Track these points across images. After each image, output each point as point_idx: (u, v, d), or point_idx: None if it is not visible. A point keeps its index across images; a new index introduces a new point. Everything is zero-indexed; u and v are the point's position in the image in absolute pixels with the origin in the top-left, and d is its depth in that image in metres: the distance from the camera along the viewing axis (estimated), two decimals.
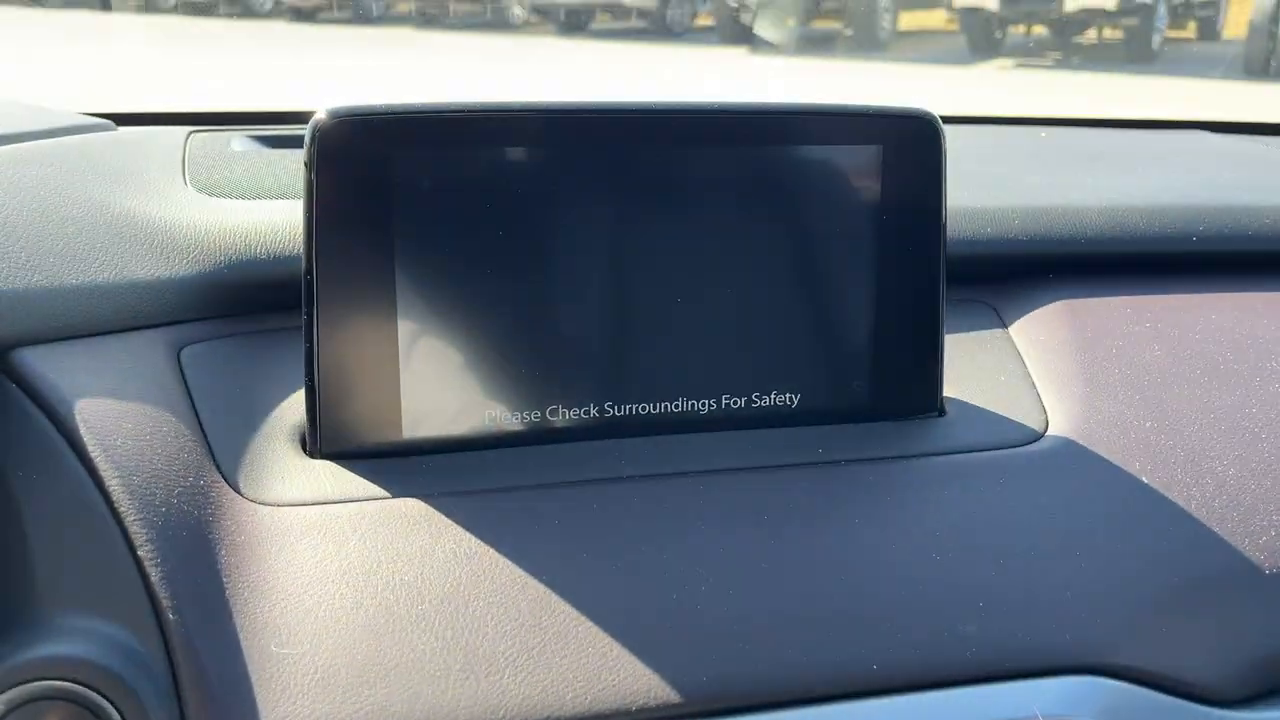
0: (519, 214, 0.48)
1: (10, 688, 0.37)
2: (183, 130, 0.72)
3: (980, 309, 0.63)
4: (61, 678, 0.38)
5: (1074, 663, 0.45)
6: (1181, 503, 0.50)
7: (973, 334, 0.61)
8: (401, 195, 0.46)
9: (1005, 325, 0.62)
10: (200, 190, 0.59)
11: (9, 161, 0.57)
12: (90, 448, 0.43)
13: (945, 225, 0.52)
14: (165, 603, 0.40)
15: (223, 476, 0.45)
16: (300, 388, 0.50)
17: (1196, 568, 0.48)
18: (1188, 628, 0.47)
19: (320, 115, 0.45)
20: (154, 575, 0.41)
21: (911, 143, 0.52)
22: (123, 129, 0.71)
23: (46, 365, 0.45)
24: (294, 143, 0.72)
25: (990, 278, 0.64)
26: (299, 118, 0.80)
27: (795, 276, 0.51)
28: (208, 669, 0.40)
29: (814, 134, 0.50)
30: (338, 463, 0.47)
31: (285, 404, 0.50)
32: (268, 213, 0.56)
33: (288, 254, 0.54)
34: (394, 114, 0.46)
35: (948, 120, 0.53)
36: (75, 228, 0.51)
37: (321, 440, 0.48)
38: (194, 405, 0.48)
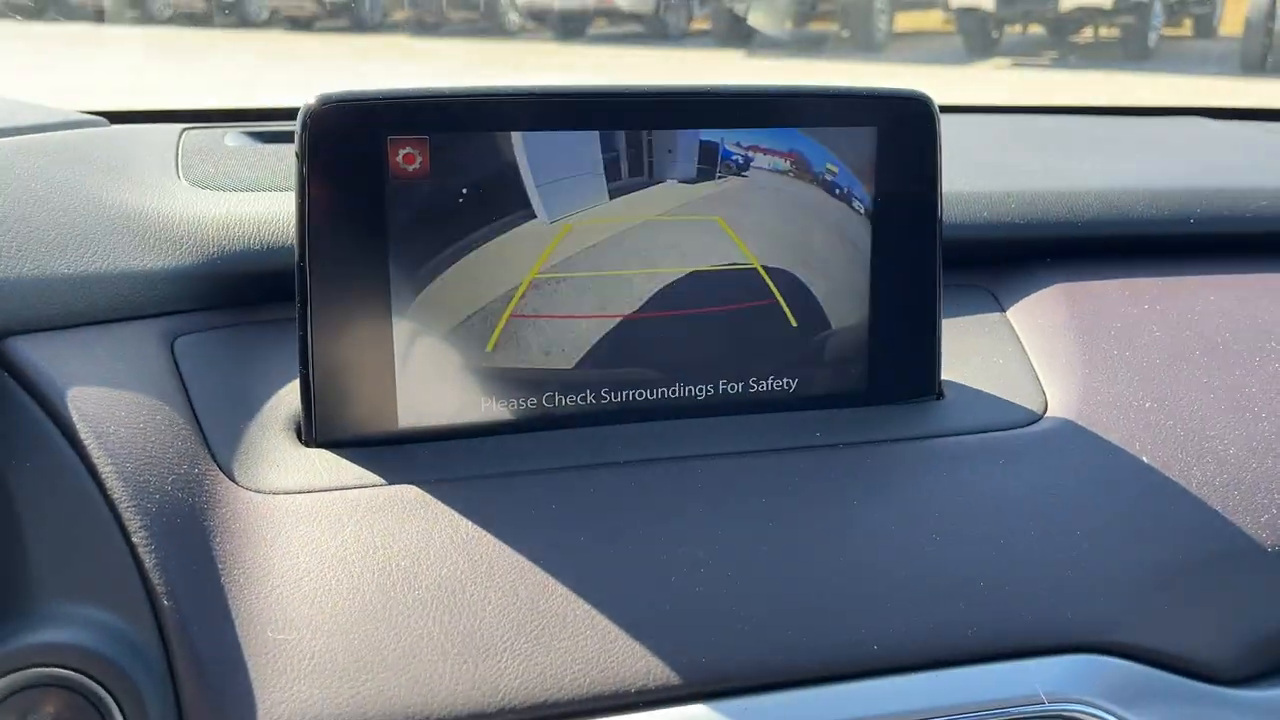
0: (512, 198, 0.48)
1: (5, 675, 0.37)
2: (176, 127, 0.71)
3: (978, 293, 0.63)
4: (57, 665, 0.38)
5: (1076, 641, 0.45)
6: (1182, 482, 0.50)
7: (970, 318, 0.61)
8: (394, 180, 0.46)
9: (1003, 309, 0.62)
10: (193, 184, 0.59)
11: (2, 154, 0.56)
12: (84, 436, 0.42)
13: (941, 206, 0.52)
14: (160, 590, 0.40)
15: (217, 465, 0.45)
16: (294, 377, 0.50)
17: (1198, 547, 0.48)
18: (1190, 606, 0.47)
19: (310, 101, 0.45)
20: (149, 562, 0.40)
21: (906, 124, 0.51)
22: (117, 125, 0.71)
23: (40, 354, 0.45)
24: (287, 138, 0.72)
25: (987, 262, 0.64)
26: (291, 114, 0.80)
27: (791, 260, 0.51)
28: (203, 655, 0.39)
29: (809, 116, 0.50)
30: (333, 451, 0.47)
31: (280, 393, 0.50)
32: (261, 204, 0.56)
33: (281, 244, 0.54)
34: (385, 98, 0.46)
35: (945, 110, 0.53)
36: (68, 219, 0.51)
37: (316, 429, 0.47)
38: (188, 395, 0.48)
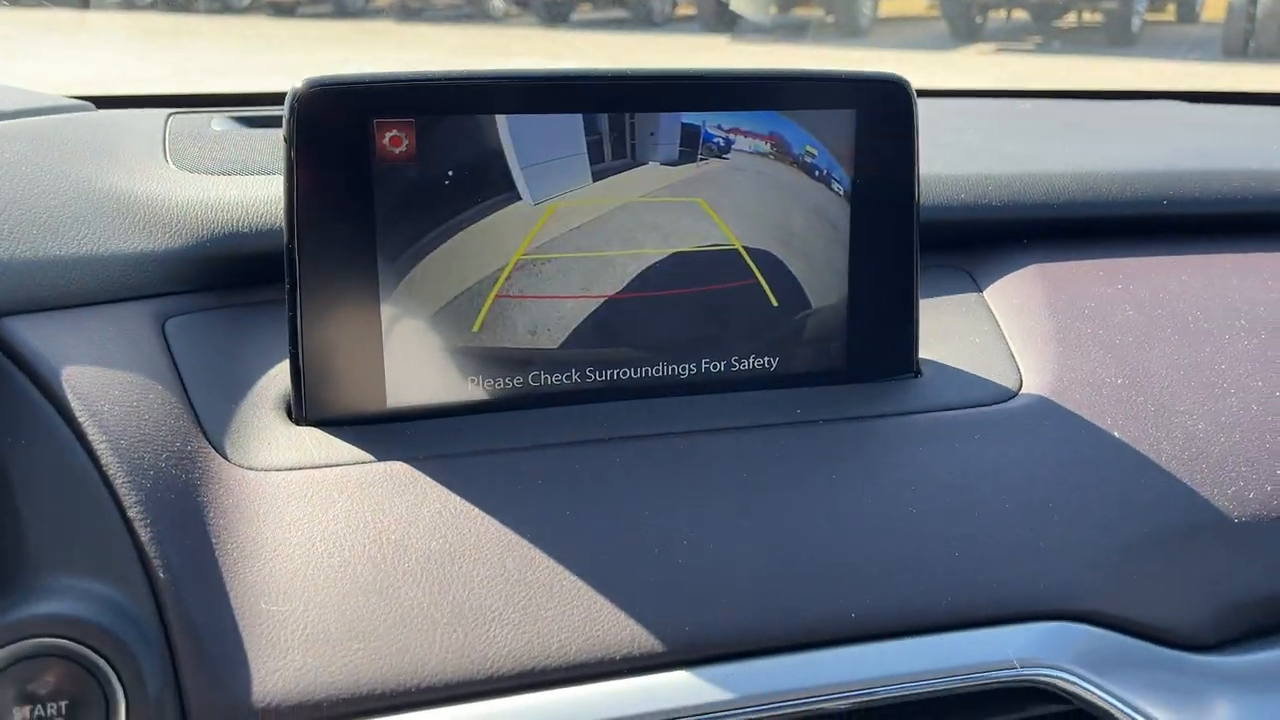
0: (497, 180, 0.48)
1: (5, 645, 0.38)
2: (162, 112, 0.72)
3: (955, 274, 0.64)
4: (56, 635, 0.38)
5: (1048, 609, 0.46)
6: (1152, 456, 0.51)
7: (948, 298, 0.62)
8: (380, 163, 0.47)
9: (980, 289, 0.63)
10: (181, 168, 0.60)
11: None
12: (79, 414, 0.43)
13: (919, 188, 0.53)
14: (156, 563, 0.41)
15: (209, 443, 0.46)
16: (283, 358, 0.51)
17: (1167, 518, 0.50)
18: (1160, 575, 0.48)
19: (298, 85, 0.46)
20: (144, 536, 0.41)
21: (884, 107, 0.52)
22: (103, 110, 0.72)
23: (33, 334, 0.45)
24: (273, 123, 0.73)
25: (965, 243, 0.65)
26: (277, 99, 0.81)
27: (772, 240, 0.52)
28: (200, 627, 0.40)
29: (788, 99, 0.51)
30: (322, 429, 0.48)
31: (269, 373, 0.51)
32: (249, 188, 0.56)
33: (269, 227, 0.54)
34: (371, 82, 0.46)
35: (925, 94, 0.54)
36: (59, 202, 0.52)
37: (306, 408, 0.48)
38: (179, 374, 0.48)
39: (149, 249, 0.52)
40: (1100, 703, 0.45)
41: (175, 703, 0.39)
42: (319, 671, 0.40)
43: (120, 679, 0.38)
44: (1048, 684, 0.44)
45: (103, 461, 0.42)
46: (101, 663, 0.38)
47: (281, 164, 0.60)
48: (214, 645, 0.40)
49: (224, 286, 0.54)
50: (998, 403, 0.54)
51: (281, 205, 0.47)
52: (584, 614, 0.42)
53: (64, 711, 0.38)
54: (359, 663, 0.40)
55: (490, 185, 0.49)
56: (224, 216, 0.54)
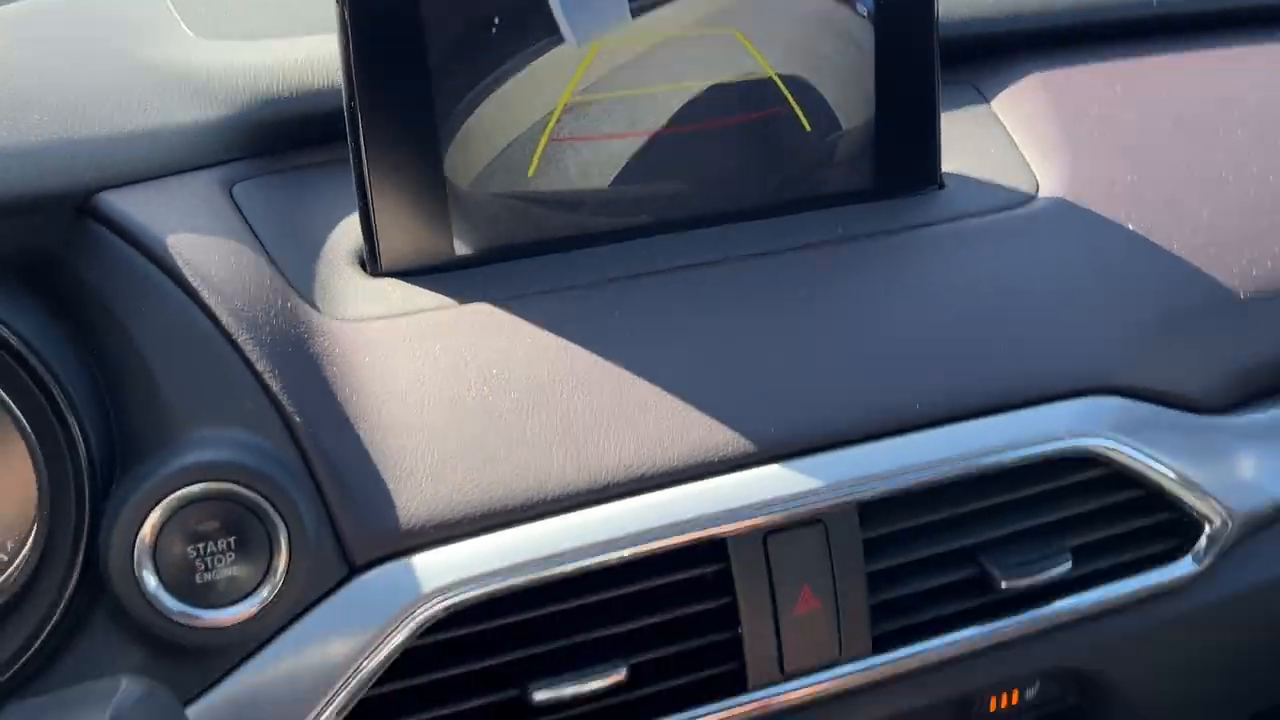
0: (541, 24, 0.50)
1: (169, 494, 0.41)
2: None
3: (962, 88, 0.67)
4: (217, 479, 0.41)
5: (1084, 386, 0.51)
6: (1164, 244, 0.56)
7: (958, 111, 0.64)
8: (430, 16, 0.48)
9: (987, 101, 0.66)
10: (201, 35, 0.60)
11: (20, 18, 0.56)
12: (190, 277, 0.45)
13: (938, 4, 0.55)
14: (290, 410, 0.44)
15: (302, 298, 0.48)
16: (345, 215, 0.52)
17: (1181, 298, 0.54)
18: (1177, 349, 0.53)
19: None
20: (274, 387, 0.44)
21: None
22: None
23: (128, 206, 0.46)
24: None
25: (968, 58, 0.67)
26: None
27: (803, 66, 0.54)
28: (339, 465, 0.43)
29: None
30: (399, 279, 0.50)
31: (337, 230, 0.52)
32: (280, 52, 0.56)
33: (311, 89, 0.55)
34: None
35: None
36: (110, 79, 0.52)
37: (381, 260, 0.50)
38: (257, 236, 0.50)
39: (205, 118, 0.52)
40: (1136, 465, 0.50)
41: (331, 534, 0.43)
42: (453, 494, 0.43)
43: (281, 515, 0.42)
44: (1090, 451, 0.50)
45: (223, 321, 0.44)
46: (262, 501, 0.41)
47: (298, 24, 0.60)
48: (355, 480, 0.43)
49: (279, 150, 0.55)
50: (1019, 206, 0.57)
51: (335, 65, 0.47)
52: (678, 423, 0.46)
53: (233, 546, 0.41)
54: (486, 483, 0.44)
55: (535, 29, 0.50)
56: (264, 83, 0.54)
